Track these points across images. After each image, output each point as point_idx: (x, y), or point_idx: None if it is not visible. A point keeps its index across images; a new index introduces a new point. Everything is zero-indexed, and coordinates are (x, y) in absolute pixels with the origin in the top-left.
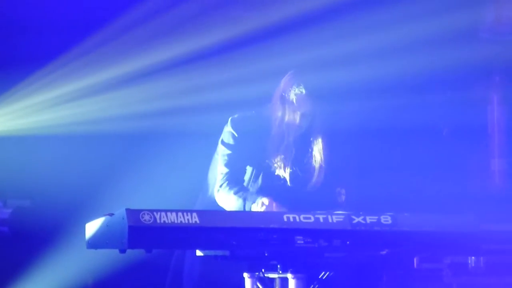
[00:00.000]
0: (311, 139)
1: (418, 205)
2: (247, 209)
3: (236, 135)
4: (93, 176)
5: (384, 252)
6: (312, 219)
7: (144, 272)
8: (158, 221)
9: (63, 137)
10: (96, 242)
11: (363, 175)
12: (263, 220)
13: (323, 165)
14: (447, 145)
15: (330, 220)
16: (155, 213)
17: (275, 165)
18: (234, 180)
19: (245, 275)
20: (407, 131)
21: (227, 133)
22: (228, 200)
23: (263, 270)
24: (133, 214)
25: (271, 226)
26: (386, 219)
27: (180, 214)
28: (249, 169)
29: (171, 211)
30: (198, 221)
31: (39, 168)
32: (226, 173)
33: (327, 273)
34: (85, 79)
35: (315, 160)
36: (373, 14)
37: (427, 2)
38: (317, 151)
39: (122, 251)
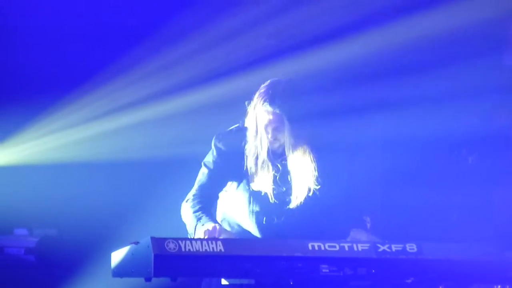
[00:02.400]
0: (288, 155)
1: (443, 233)
2: (196, 231)
3: (215, 153)
4: (118, 205)
5: (409, 281)
6: (337, 248)
7: None
8: (183, 249)
9: (89, 166)
10: (122, 271)
11: (386, 203)
12: (288, 248)
13: (310, 185)
14: (471, 173)
15: (355, 249)
16: (180, 242)
17: (256, 179)
18: (200, 197)
19: None
20: (431, 157)
21: (210, 150)
22: (186, 216)
23: None
24: (158, 242)
25: (296, 254)
26: (411, 247)
27: (205, 242)
28: (232, 184)
29: (196, 239)
30: (223, 250)
31: (65, 197)
32: (195, 189)
33: None
34: (108, 110)
35: (295, 177)
36: (397, 36)
37: (452, 28)
38: (297, 167)
39: (148, 279)
